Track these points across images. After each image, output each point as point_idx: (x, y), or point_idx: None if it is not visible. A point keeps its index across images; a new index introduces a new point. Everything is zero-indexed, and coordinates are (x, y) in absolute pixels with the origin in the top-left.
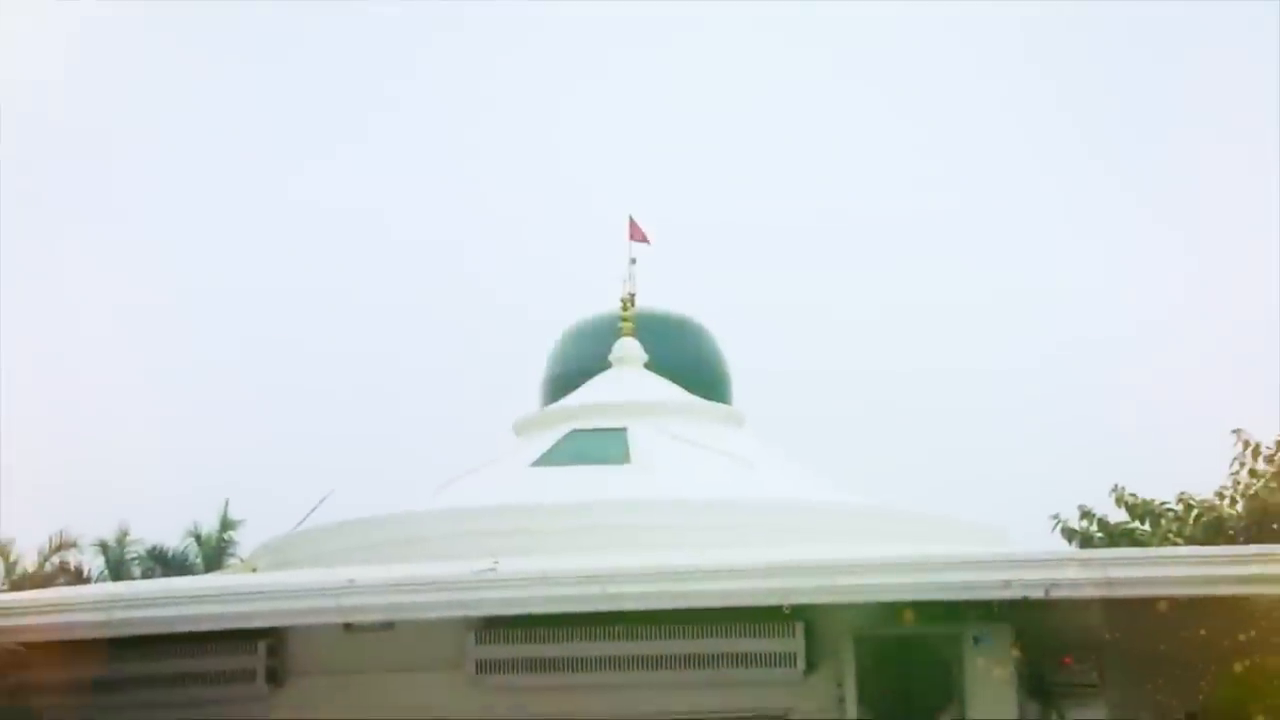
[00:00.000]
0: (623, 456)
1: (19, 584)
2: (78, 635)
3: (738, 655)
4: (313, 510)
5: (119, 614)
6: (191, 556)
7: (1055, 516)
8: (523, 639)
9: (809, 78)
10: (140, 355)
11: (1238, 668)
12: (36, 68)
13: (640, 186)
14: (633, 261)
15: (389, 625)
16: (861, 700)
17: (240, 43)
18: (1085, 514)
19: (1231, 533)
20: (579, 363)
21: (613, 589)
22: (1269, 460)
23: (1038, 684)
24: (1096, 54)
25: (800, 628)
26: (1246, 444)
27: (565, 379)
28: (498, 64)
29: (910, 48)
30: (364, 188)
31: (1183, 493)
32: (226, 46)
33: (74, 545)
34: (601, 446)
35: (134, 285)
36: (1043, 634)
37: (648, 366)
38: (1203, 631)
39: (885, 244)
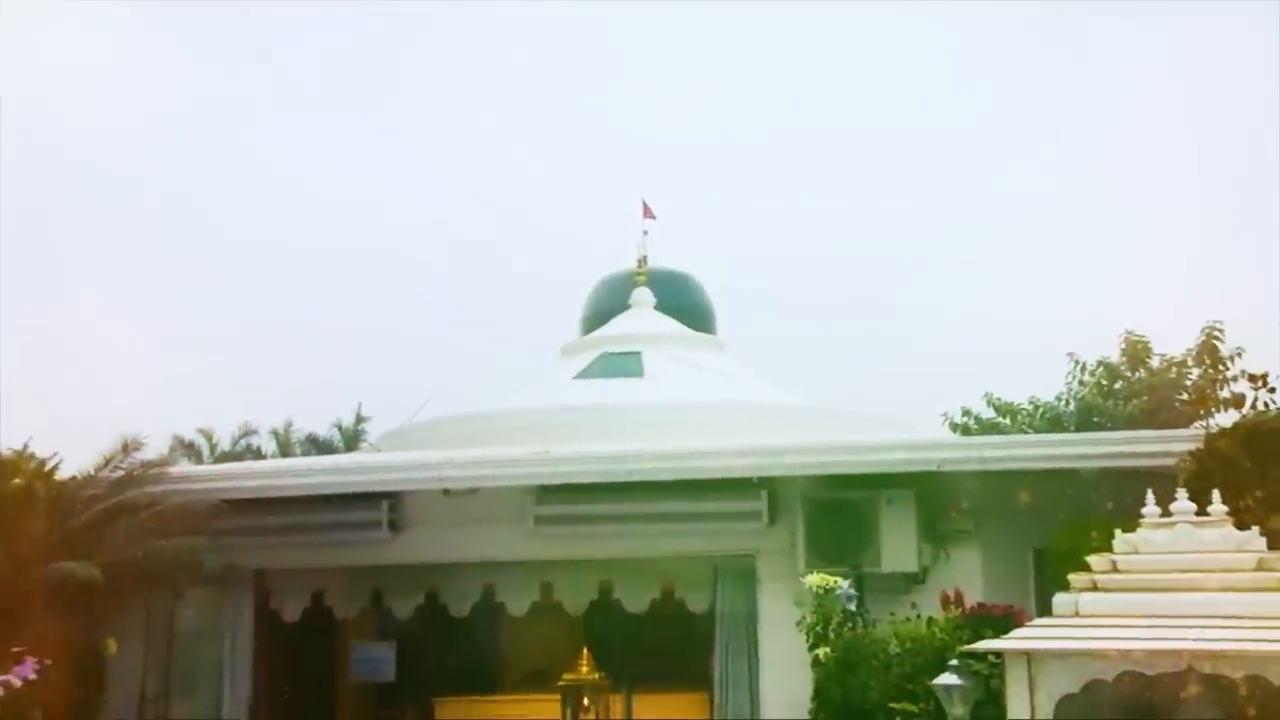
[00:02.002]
0: (639, 372)
1: (219, 460)
2: (259, 495)
3: (720, 513)
4: (419, 410)
5: (288, 480)
6: (335, 441)
7: (944, 414)
8: (568, 501)
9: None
10: (295, 296)
11: (1067, 518)
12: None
13: (645, 169)
14: (645, 232)
15: (474, 490)
16: (808, 544)
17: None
18: (965, 412)
19: (1066, 425)
20: (607, 305)
21: (631, 466)
22: (1092, 374)
23: (931, 531)
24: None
25: (765, 493)
26: (1077, 362)
27: (597, 317)
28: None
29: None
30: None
31: (1033, 397)
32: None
33: (255, 432)
34: (623, 365)
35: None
36: (935, 496)
37: (656, 308)
38: (1045, 493)
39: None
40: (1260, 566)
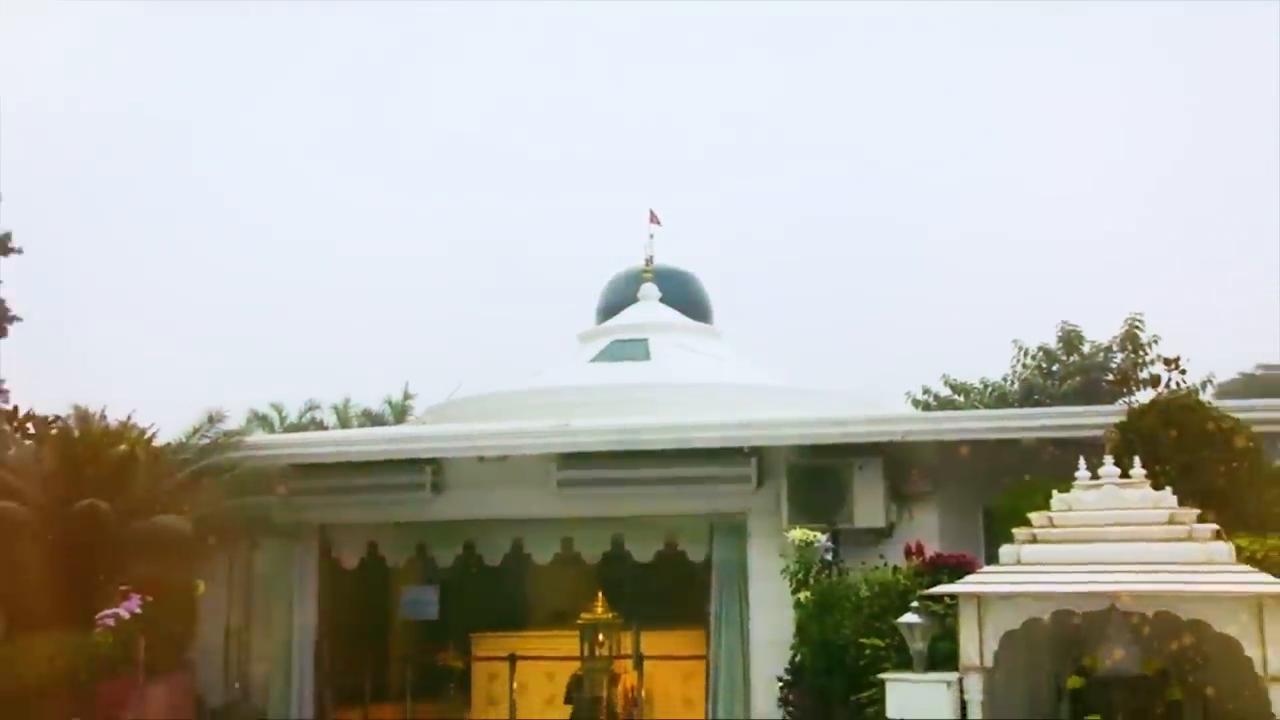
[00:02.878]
0: (646, 357)
1: (287, 430)
2: (323, 460)
3: (716, 476)
4: (457, 388)
5: (346, 448)
6: (386, 415)
7: (908, 392)
8: (586, 467)
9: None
10: (342, 295)
11: (1012, 481)
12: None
13: (649, 175)
14: (651, 236)
15: (504, 458)
16: (790, 503)
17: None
18: (925, 390)
19: (1011, 401)
20: (618, 298)
21: (640, 437)
22: (1032, 358)
23: (896, 492)
24: None
25: (754, 460)
26: (1020, 348)
27: (610, 308)
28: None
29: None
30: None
31: (983, 378)
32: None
33: (318, 407)
34: (632, 350)
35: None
36: (901, 462)
37: (661, 302)
38: (993, 460)
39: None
40: (1171, 520)
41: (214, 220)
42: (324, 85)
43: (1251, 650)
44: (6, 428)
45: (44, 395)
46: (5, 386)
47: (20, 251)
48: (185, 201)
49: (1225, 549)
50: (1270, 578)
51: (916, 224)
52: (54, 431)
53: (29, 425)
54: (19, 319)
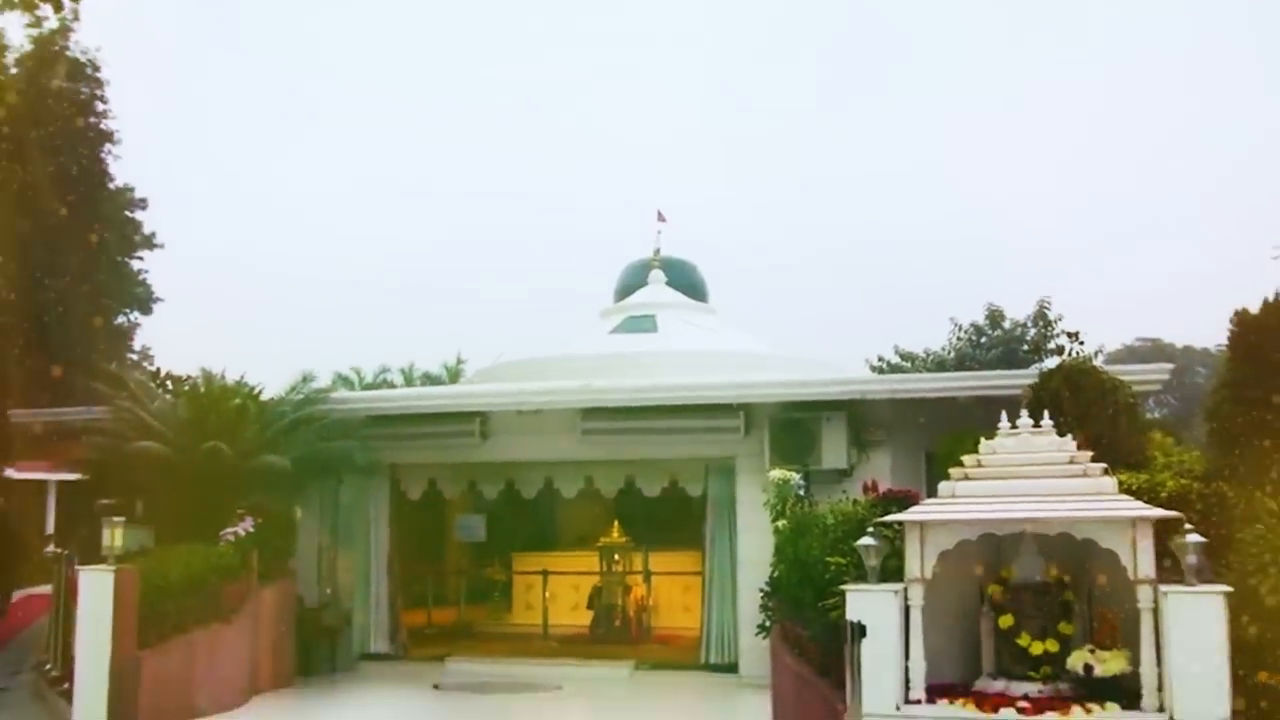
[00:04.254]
0: (654, 329)
1: (365, 388)
2: (394, 412)
3: (710, 427)
4: (497, 358)
5: (412, 402)
6: (443, 376)
7: (867, 359)
8: (605, 419)
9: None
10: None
11: (949, 430)
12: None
13: (659, 178)
14: (659, 232)
15: (539, 411)
16: (771, 449)
17: None
18: (880, 358)
19: (948, 367)
20: (632, 282)
21: (650, 395)
22: (965, 332)
23: (857, 440)
24: None
25: (743, 414)
26: (956, 324)
27: (625, 289)
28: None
29: None
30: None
31: (926, 348)
32: None
33: (389, 370)
34: (643, 324)
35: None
36: (862, 416)
37: (667, 285)
38: (934, 413)
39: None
40: (1071, 461)
41: (303, 221)
42: (386, 99)
43: (1126, 560)
44: (152, 385)
45: (180, 359)
46: (151, 352)
47: (162, 247)
48: (278, 207)
49: (1110, 483)
50: (1142, 504)
51: (879, 223)
52: (186, 388)
53: (168, 383)
54: (161, 300)
